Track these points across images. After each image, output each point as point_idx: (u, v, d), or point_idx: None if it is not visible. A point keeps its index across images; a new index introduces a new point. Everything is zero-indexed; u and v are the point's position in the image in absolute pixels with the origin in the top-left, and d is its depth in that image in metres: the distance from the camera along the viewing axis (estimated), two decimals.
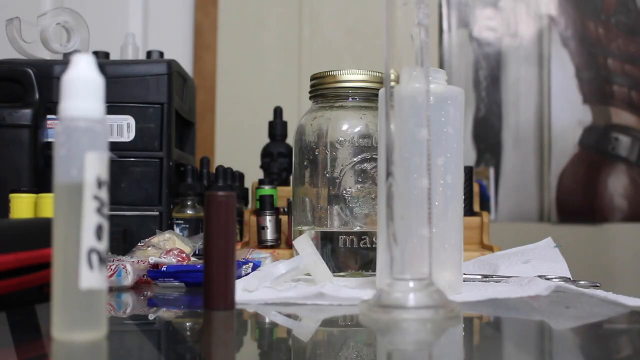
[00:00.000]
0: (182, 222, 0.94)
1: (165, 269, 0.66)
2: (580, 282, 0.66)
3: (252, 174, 1.17)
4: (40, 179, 0.88)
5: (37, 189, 0.82)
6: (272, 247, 0.88)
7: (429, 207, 0.50)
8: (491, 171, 1.86)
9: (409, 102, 0.50)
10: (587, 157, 1.86)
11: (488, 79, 1.86)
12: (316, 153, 0.76)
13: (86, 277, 0.39)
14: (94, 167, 0.40)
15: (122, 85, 0.92)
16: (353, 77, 0.76)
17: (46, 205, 0.77)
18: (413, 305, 0.49)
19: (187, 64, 1.79)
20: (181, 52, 1.79)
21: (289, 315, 0.55)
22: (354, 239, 0.73)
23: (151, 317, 0.56)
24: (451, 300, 0.50)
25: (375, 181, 0.73)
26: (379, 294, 0.51)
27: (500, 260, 0.77)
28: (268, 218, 0.88)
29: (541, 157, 1.87)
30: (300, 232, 0.74)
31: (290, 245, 0.84)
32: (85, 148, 0.40)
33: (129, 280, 0.63)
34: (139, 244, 0.76)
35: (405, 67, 0.51)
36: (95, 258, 0.39)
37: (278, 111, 1.12)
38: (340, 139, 0.75)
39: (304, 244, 0.64)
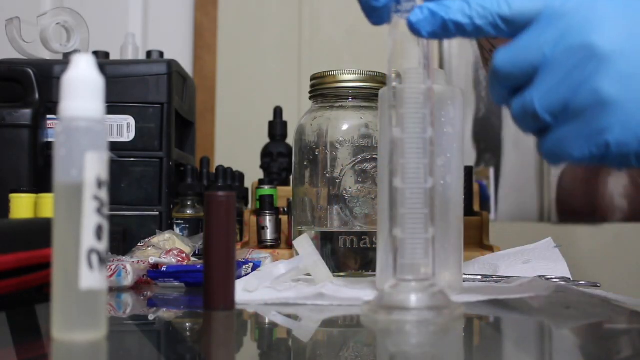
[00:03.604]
0: (182, 222, 0.94)
1: (165, 269, 0.66)
2: (580, 282, 0.67)
3: (252, 174, 1.17)
4: (40, 179, 0.88)
5: (37, 189, 0.82)
6: (272, 247, 0.88)
7: (431, 207, 0.50)
8: (491, 171, 1.86)
9: (411, 102, 0.50)
10: None
11: (488, 79, 1.86)
12: (316, 153, 0.76)
13: (86, 277, 0.39)
14: (94, 167, 0.40)
15: (122, 85, 0.92)
16: (353, 77, 0.76)
17: (46, 205, 0.77)
18: (415, 306, 0.49)
19: (187, 64, 1.79)
20: (181, 52, 1.79)
21: (289, 316, 0.55)
22: (354, 239, 0.73)
23: (151, 317, 0.56)
24: (454, 301, 0.50)
25: (375, 181, 0.73)
26: (381, 296, 0.51)
27: (501, 260, 0.77)
28: (268, 218, 0.88)
29: (541, 157, 1.87)
30: (300, 232, 0.74)
31: (290, 245, 0.84)
32: (85, 148, 0.40)
33: (129, 280, 0.63)
34: (139, 244, 0.76)
35: (408, 67, 0.50)
36: (95, 258, 0.40)
37: (278, 111, 1.12)
38: (340, 139, 0.75)
39: (304, 244, 0.64)
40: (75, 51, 0.97)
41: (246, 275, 0.68)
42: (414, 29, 0.48)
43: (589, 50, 0.43)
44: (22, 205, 0.78)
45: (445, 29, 0.47)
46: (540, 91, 0.44)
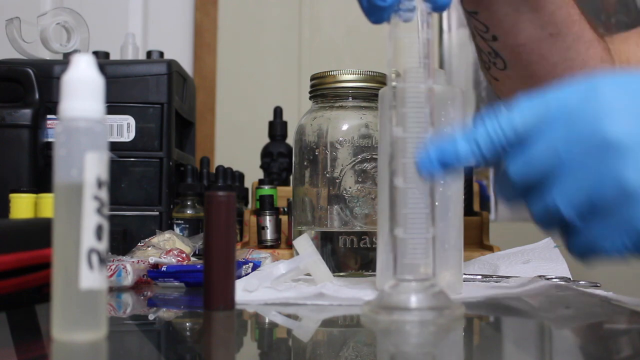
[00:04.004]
0: (182, 222, 0.94)
1: (165, 269, 0.66)
2: (580, 282, 0.66)
3: (252, 174, 1.17)
4: (40, 179, 0.88)
5: (37, 189, 0.82)
6: (272, 247, 0.88)
7: (432, 207, 0.50)
8: (491, 171, 1.86)
9: (412, 102, 0.50)
10: None
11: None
12: (316, 153, 0.76)
13: (86, 277, 0.39)
14: (94, 167, 0.40)
15: (122, 85, 0.92)
16: (353, 77, 0.76)
17: (46, 205, 0.77)
18: (416, 306, 0.48)
19: (187, 64, 1.79)
20: (181, 52, 1.79)
21: (289, 316, 0.55)
22: (354, 239, 0.73)
23: (151, 317, 0.56)
24: (455, 302, 0.50)
25: (375, 181, 0.73)
26: (381, 295, 0.50)
27: (500, 260, 0.77)
28: (268, 218, 0.88)
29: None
30: (300, 232, 0.74)
31: (290, 245, 0.84)
32: (85, 148, 0.40)
33: (129, 280, 0.63)
34: (139, 244, 0.76)
35: (408, 66, 0.50)
36: (95, 258, 0.39)
37: (278, 111, 1.12)
38: (340, 139, 0.75)
39: (304, 244, 0.64)
40: (75, 51, 0.97)
41: (246, 275, 0.68)
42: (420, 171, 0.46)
43: (604, 142, 0.41)
44: (22, 205, 0.78)
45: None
46: (562, 192, 0.42)
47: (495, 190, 0.47)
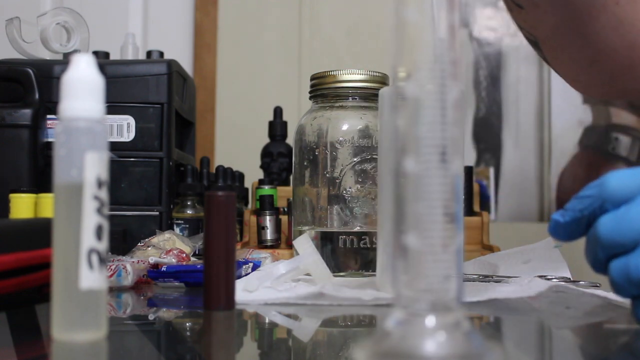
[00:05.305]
0: (182, 222, 0.94)
1: (165, 269, 0.66)
2: (580, 282, 0.66)
3: (252, 174, 1.17)
4: (40, 179, 0.88)
5: (37, 189, 0.82)
6: (272, 247, 0.88)
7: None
8: (491, 171, 1.87)
9: (426, 103, 0.49)
10: (587, 157, 1.86)
11: (488, 79, 1.86)
12: (316, 153, 0.76)
13: (86, 277, 0.39)
14: (94, 167, 0.40)
15: (122, 85, 0.92)
16: (353, 77, 0.76)
17: (46, 205, 0.77)
18: (435, 355, 0.32)
19: (187, 64, 1.79)
20: (181, 52, 1.79)
21: (289, 315, 0.55)
22: (354, 239, 0.73)
23: (151, 317, 0.56)
24: (492, 345, 0.35)
25: (375, 181, 0.73)
26: (382, 336, 0.34)
27: (500, 260, 0.77)
28: (268, 218, 0.88)
29: (541, 157, 1.87)
30: (300, 232, 0.74)
31: (290, 245, 0.84)
32: (85, 148, 0.40)
33: (129, 280, 0.63)
34: (139, 244, 0.76)
35: (420, 62, 0.42)
36: (95, 258, 0.39)
37: (278, 111, 1.12)
38: (340, 139, 0.75)
39: (304, 244, 0.64)
40: (75, 51, 0.97)
41: (246, 275, 0.68)
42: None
43: None
44: (22, 205, 0.79)
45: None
46: None
47: (585, 253, 0.48)
